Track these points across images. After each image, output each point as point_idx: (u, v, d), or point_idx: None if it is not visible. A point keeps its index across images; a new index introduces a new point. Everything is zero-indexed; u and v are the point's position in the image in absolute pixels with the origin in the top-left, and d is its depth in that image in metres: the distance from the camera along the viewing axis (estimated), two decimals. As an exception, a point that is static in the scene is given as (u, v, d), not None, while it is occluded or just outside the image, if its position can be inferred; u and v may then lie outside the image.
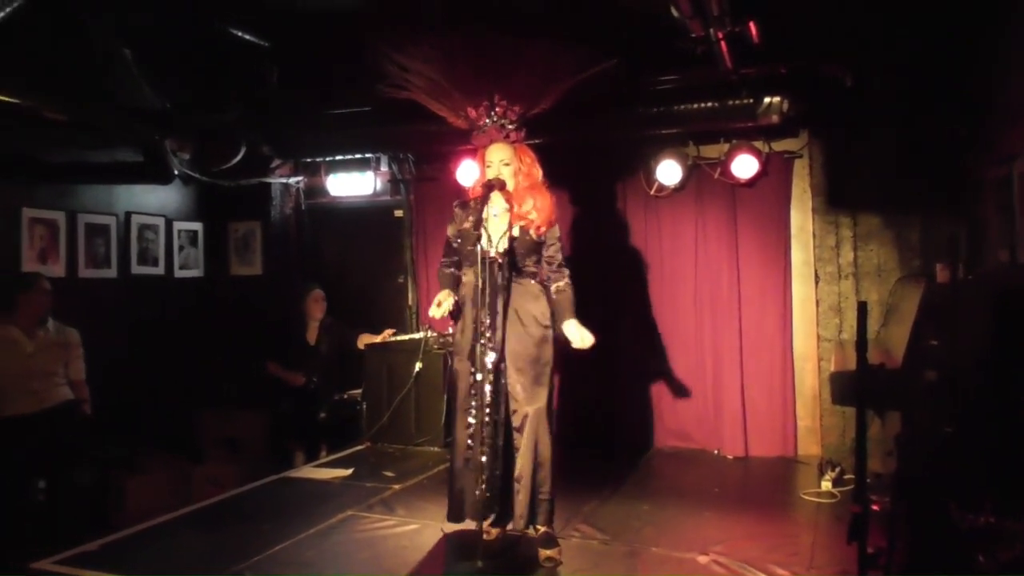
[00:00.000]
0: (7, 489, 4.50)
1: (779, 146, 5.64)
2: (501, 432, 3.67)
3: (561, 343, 3.82)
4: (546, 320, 3.75)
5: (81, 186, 5.98)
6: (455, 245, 3.89)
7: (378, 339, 6.13)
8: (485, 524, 3.55)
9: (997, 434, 2.89)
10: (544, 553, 3.61)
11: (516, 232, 3.72)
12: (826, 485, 4.70)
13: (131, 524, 4.20)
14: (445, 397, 5.60)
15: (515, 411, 3.70)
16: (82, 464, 4.83)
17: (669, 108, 5.35)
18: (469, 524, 3.72)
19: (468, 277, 3.80)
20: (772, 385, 5.64)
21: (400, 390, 5.86)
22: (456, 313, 3.87)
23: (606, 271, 5.90)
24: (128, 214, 6.33)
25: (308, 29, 5.11)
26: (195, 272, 6.98)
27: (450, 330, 5.07)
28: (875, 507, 3.03)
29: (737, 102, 5.21)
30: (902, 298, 4.98)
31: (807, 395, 5.65)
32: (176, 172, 6.08)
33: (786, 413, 5.62)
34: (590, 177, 6.02)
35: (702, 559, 3.61)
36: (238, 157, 6.32)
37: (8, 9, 3.59)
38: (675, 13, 3.92)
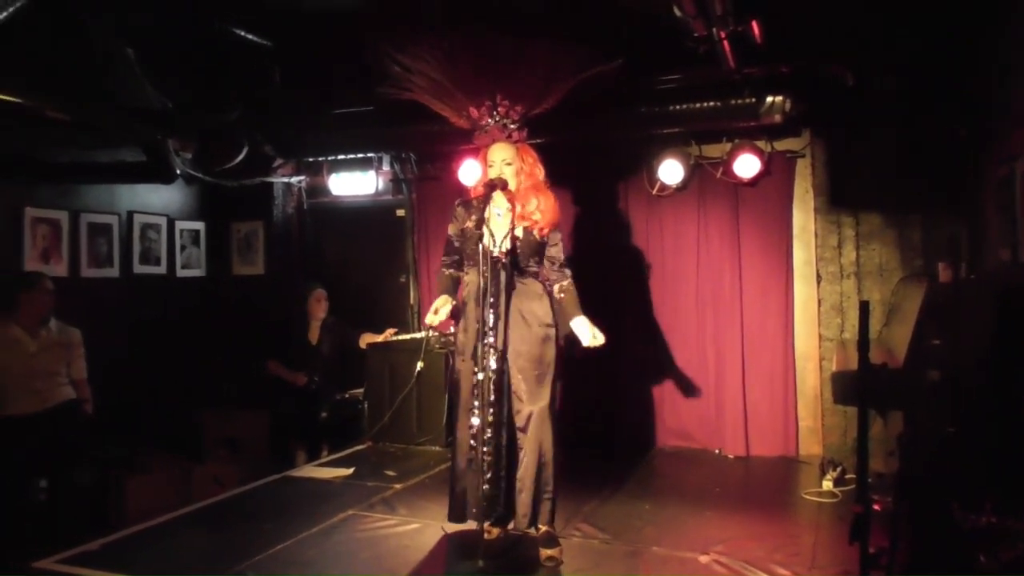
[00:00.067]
0: (9, 488, 4.51)
1: (781, 145, 5.64)
2: (504, 432, 3.67)
3: (570, 342, 3.82)
4: (548, 320, 3.75)
5: (83, 186, 5.99)
6: (457, 244, 3.89)
7: (380, 338, 6.14)
8: (486, 524, 3.54)
9: (999, 434, 2.89)
10: (545, 552, 3.61)
11: (520, 232, 3.72)
12: (827, 485, 4.70)
13: (132, 524, 4.21)
14: (446, 397, 5.61)
15: (518, 411, 3.69)
16: (83, 464, 4.84)
17: (671, 107, 5.35)
18: (470, 524, 3.72)
19: (471, 277, 3.79)
20: (774, 384, 5.64)
21: (402, 389, 5.87)
22: (456, 313, 3.87)
23: (608, 271, 5.90)
24: (130, 213, 6.34)
25: (310, 29, 5.12)
26: (197, 272, 6.99)
27: (451, 330, 5.07)
28: (877, 507, 3.03)
29: (739, 101, 5.21)
30: (904, 298, 4.98)
31: (809, 395, 5.65)
32: (178, 172, 6.08)
33: (788, 413, 5.62)
34: (592, 177, 6.02)
35: (703, 559, 3.61)
36: (240, 157, 6.32)
37: (10, 9, 3.59)
38: (678, 13, 3.92)
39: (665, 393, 5.92)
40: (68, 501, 4.67)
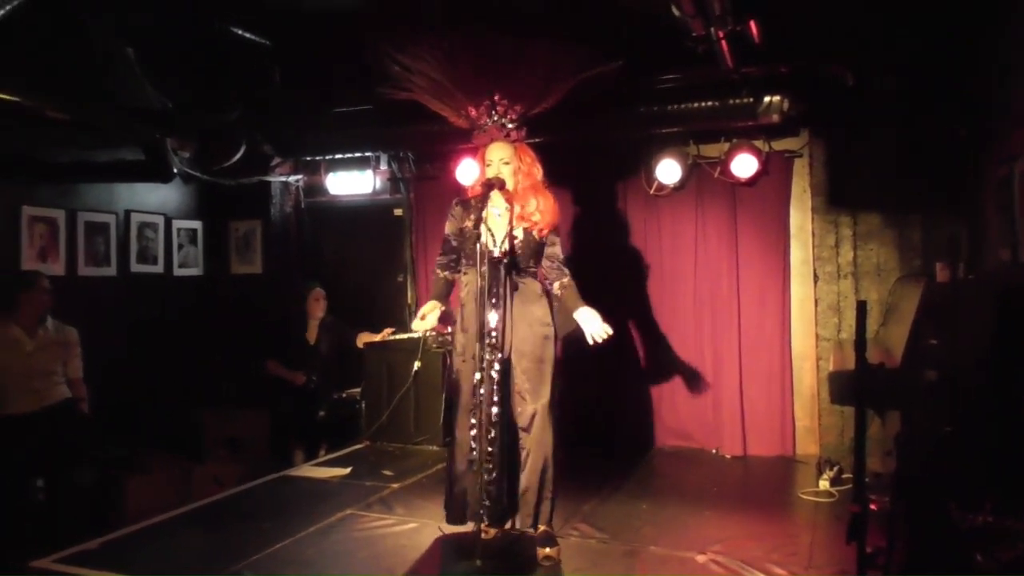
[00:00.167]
0: (7, 488, 4.51)
1: (779, 145, 5.65)
2: (507, 432, 3.66)
3: (572, 341, 3.81)
4: (548, 320, 3.76)
5: (81, 184, 5.98)
6: (454, 244, 3.89)
7: (377, 338, 6.13)
8: (483, 523, 3.54)
9: (997, 434, 2.90)
10: (543, 552, 3.61)
11: (520, 233, 3.72)
12: (824, 484, 4.71)
13: (131, 524, 4.20)
14: (444, 396, 5.61)
15: (522, 411, 3.69)
16: (82, 463, 4.84)
17: (669, 107, 5.35)
18: (468, 524, 3.72)
19: (469, 276, 3.79)
20: (771, 384, 5.65)
21: (399, 389, 5.86)
22: (445, 318, 3.87)
23: (606, 270, 5.89)
24: (128, 212, 6.33)
25: (309, 28, 5.12)
26: (195, 271, 6.98)
27: (449, 330, 5.07)
28: (874, 507, 3.04)
29: (737, 101, 5.22)
30: (902, 297, 4.98)
31: (806, 394, 5.65)
32: (176, 171, 6.08)
33: (785, 412, 5.62)
34: (590, 176, 6.02)
35: (701, 558, 3.61)
36: (238, 155, 6.32)
37: (8, 7, 3.59)
38: (676, 12, 3.92)
39: (663, 393, 5.92)
40: (68, 501, 4.66)
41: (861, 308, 2.84)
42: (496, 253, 3.60)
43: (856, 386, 3.01)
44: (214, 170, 6.46)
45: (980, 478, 2.86)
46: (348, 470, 5.16)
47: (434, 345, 5.82)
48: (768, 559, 3.57)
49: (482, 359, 3.50)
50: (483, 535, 3.51)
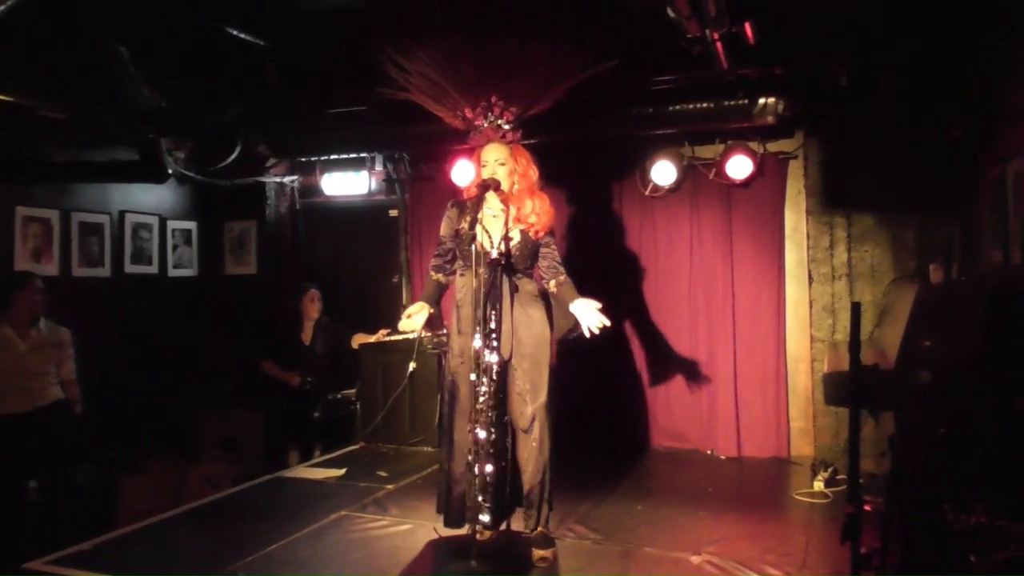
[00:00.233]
0: (1, 488, 4.49)
1: (774, 147, 5.65)
2: (508, 433, 3.66)
3: (570, 340, 3.82)
4: (544, 320, 3.76)
5: (75, 185, 5.97)
6: (449, 245, 3.88)
7: (372, 339, 6.12)
8: (478, 524, 3.54)
9: (990, 435, 2.90)
10: (538, 553, 3.61)
11: (517, 235, 3.72)
12: (819, 486, 4.71)
13: (127, 524, 4.19)
14: (439, 398, 5.59)
15: (522, 412, 3.68)
16: (77, 464, 4.82)
17: (665, 108, 5.35)
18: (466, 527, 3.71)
19: (465, 278, 3.78)
20: (765, 385, 5.65)
21: (394, 390, 5.85)
22: (433, 321, 3.86)
23: (601, 271, 5.88)
24: (122, 213, 6.32)
25: (306, 29, 5.11)
26: (189, 271, 6.97)
27: (444, 331, 5.07)
28: (868, 507, 3.05)
29: (733, 103, 5.21)
30: (896, 299, 4.99)
31: (800, 396, 5.66)
32: (171, 171, 6.07)
33: (779, 414, 5.63)
34: (585, 177, 6.01)
35: (695, 559, 3.61)
36: (233, 156, 6.32)
37: (3, 8, 3.58)
38: (672, 14, 3.93)
39: (658, 394, 5.93)
40: (63, 501, 4.65)
41: (855, 309, 2.85)
42: (495, 254, 3.59)
43: (850, 387, 3.01)
44: (209, 170, 6.46)
45: (974, 479, 2.87)
46: (343, 471, 5.15)
47: (429, 347, 5.81)
48: (763, 560, 3.58)
49: (481, 361, 3.50)
50: (478, 536, 3.51)
